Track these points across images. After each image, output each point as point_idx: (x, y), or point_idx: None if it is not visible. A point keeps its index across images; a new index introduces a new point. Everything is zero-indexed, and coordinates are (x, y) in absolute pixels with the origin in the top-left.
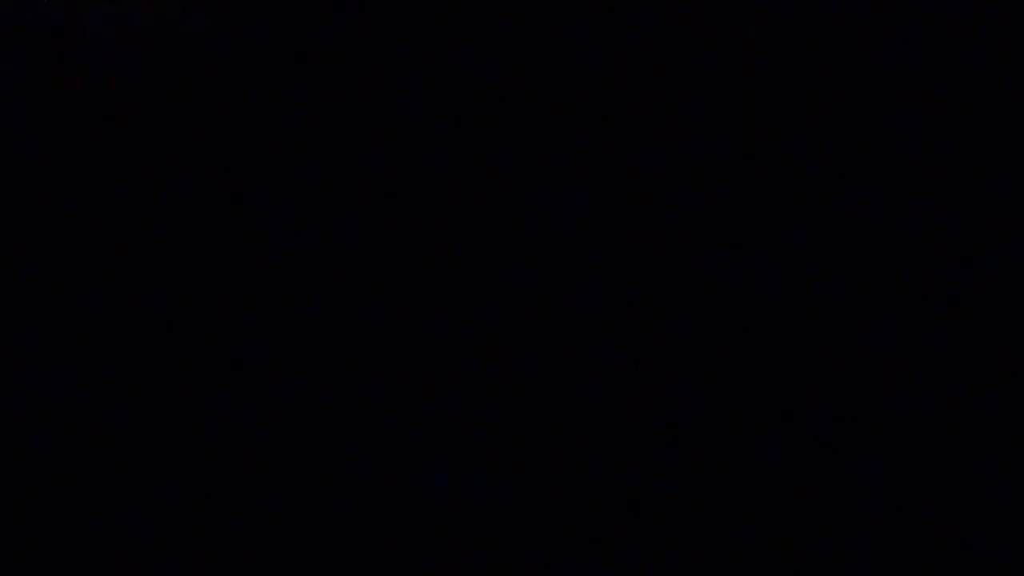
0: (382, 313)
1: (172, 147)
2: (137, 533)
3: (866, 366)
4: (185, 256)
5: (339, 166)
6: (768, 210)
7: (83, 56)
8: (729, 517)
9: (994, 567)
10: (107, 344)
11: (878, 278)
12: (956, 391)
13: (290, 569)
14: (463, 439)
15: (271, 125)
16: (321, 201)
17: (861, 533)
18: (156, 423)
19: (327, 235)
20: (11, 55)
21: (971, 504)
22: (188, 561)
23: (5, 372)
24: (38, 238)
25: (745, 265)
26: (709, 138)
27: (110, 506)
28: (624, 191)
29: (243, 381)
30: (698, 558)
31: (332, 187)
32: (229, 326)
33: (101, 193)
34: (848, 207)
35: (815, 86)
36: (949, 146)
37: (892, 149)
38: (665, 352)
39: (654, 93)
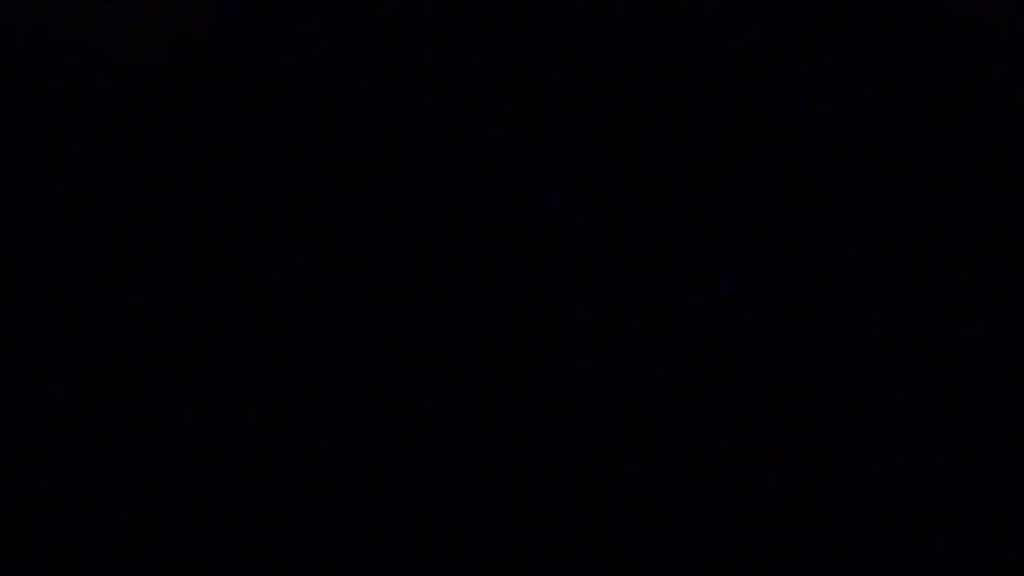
0: (382, 313)
1: (171, 149)
2: (137, 533)
3: (866, 366)
4: (185, 257)
5: (339, 166)
6: (768, 210)
7: (81, 59)
8: (729, 517)
9: (994, 567)
10: (107, 344)
11: (878, 278)
12: (956, 391)
13: (290, 569)
14: (463, 439)
15: (270, 126)
16: (321, 201)
17: (861, 533)
18: (156, 423)
19: (327, 235)
20: (10, 58)
21: (971, 504)
22: (188, 561)
23: (5, 372)
24: (39, 239)
25: (745, 265)
26: (709, 138)
27: (110, 506)
28: (624, 191)
29: (243, 381)
30: (698, 558)
31: (332, 187)
32: (229, 326)
33: (101, 195)
34: (848, 207)
35: (815, 86)
36: (949, 146)
37: (892, 149)
38: (665, 352)
39: (654, 93)
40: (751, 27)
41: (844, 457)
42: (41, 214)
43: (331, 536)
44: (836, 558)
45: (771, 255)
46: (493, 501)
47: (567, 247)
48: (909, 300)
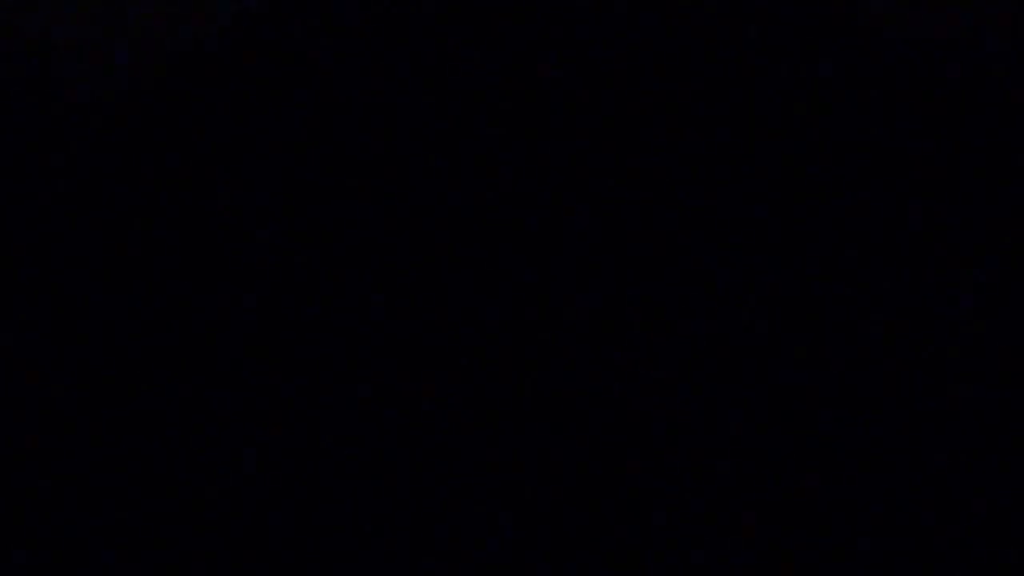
0: (382, 313)
1: (172, 150)
2: (137, 533)
3: (866, 366)
4: (185, 257)
5: (340, 166)
6: (768, 210)
7: (81, 62)
8: (729, 517)
9: (994, 567)
10: (107, 344)
11: (878, 278)
12: (956, 391)
13: (290, 569)
14: (463, 439)
15: (271, 127)
16: (321, 201)
17: (861, 533)
18: (156, 423)
19: (327, 235)
20: (10, 66)
21: (971, 504)
22: (188, 561)
23: (5, 372)
24: (39, 239)
25: (745, 265)
26: (709, 138)
27: (110, 506)
28: (624, 191)
29: (243, 381)
30: (698, 558)
31: (332, 187)
32: (229, 326)
33: (102, 196)
34: (848, 207)
35: (815, 86)
36: (949, 146)
37: (892, 149)
38: (665, 352)
39: (654, 93)
40: (751, 27)
41: (844, 457)
42: (41, 214)
43: (331, 536)
44: (836, 558)
45: (771, 255)
46: (493, 501)
47: (567, 247)
48: (909, 300)
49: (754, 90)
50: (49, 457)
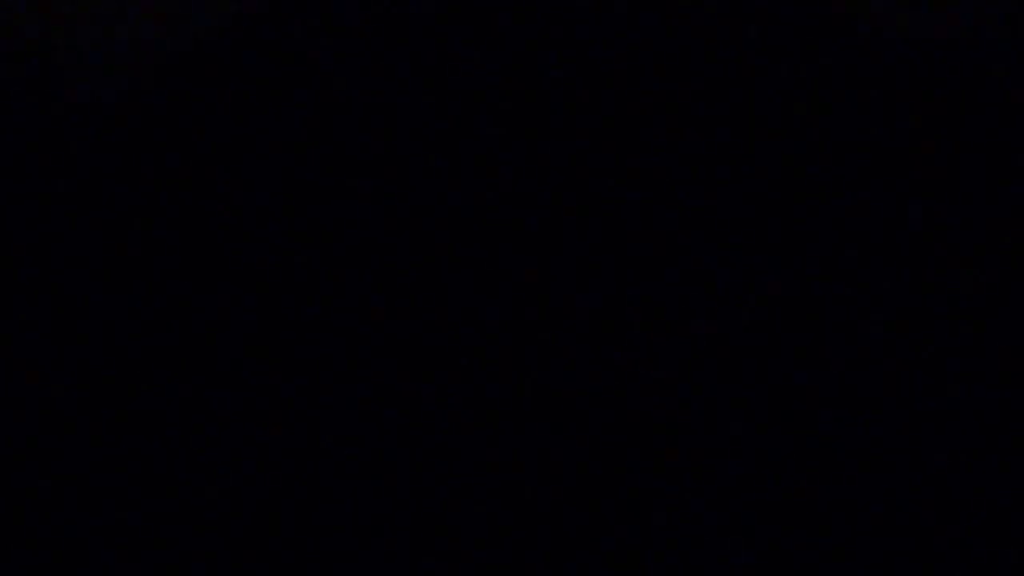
0: (382, 313)
1: (172, 149)
2: (137, 533)
3: (866, 366)
4: (185, 256)
5: (339, 166)
6: (768, 210)
7: (81, 61)
8: (729, 517)
9: (994, 567)
10: (107, 344)
11: (878, 278)
12: (956, 391)
13: (290, 569)
14: (463, 439)
15: (271, 127)
16: (321, 201)
17: (861, 533)
18: (156, 423)
19: (327, 235)
20: (10, 66)
21: (971, 504)
22: (188, 561)
23: (5, 372)
24: (38, 239)
25: (745, 265)
26: (709, 138)
27: (110, 506)
28: (624, 191)
29: (243, 381)
30: (698, 559)
31: (332, 187)
32: (229, 326)
33: (100, 198)
34: (848, 207)
35: (815, 86)
36: (949, 146)
37: (892, 149)
38: (665, 352)
39: (654, 93)
40: (751, 27)
41: (844, 457)
42: (41, 214)
43: (331, 536)
44: (836, 558)
45: (771, 255)
46: (493, 501)
47: (567, 247)
48: (909, 300)
49: (754, 90)
50: (49, 457)
